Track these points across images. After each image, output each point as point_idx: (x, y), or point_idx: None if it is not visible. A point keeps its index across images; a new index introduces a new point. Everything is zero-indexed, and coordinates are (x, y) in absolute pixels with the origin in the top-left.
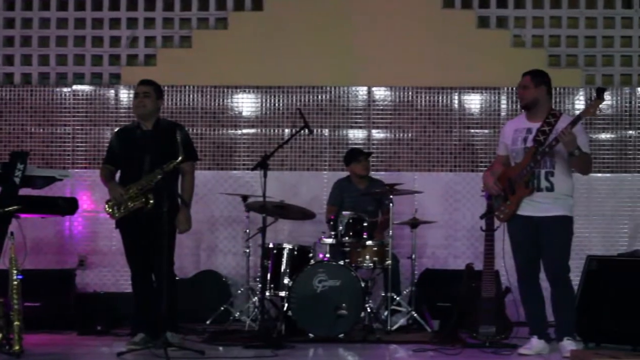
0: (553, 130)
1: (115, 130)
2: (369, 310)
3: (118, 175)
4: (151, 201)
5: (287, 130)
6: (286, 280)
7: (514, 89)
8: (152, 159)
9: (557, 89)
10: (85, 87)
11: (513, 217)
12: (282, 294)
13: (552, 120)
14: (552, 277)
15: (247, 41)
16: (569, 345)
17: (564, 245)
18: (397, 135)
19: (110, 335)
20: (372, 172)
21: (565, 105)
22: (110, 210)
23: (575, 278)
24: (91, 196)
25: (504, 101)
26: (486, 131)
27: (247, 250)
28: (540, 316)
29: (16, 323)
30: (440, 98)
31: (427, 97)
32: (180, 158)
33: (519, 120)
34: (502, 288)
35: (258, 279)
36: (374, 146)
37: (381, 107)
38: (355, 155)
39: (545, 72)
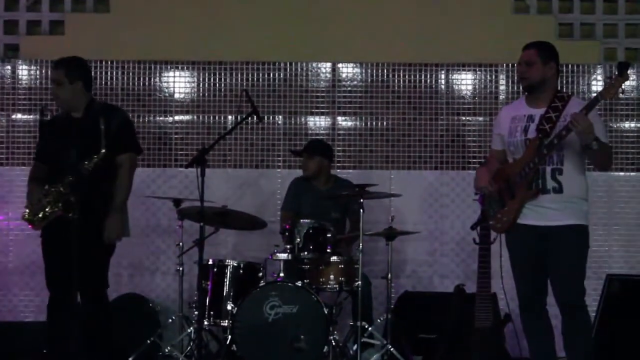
0: (561, 116)
1: (47, 117)
2: (333, 343)
3: None
4: (77, 207)
5: (230, 117)
6: (229, 307)
7: (515, 66)
8: (80, 153)
9: (569, 66)
10: None
11: (512, 226)
12: (225, 323)
13: (560, 105)
14: (564, 303)
15: (181, 5)
16: None
17: (578, 263)
18: (368, 123)
19: None
20: (338, 170)
21: (580, 86)
22: (28, 218)
23: (592, 303)
24: None
25: (502, 81)
26: (480, 119)
27: (180, 269)
28: (548, 352)
29: None
30: (422, 77)
31: (407, 76)
32: (102, 151)
33: (517, 106)
34: (501, 315)
35: (194, 305)
36: (340, 136)
37: (349, 88)
38: (297, 154)
39: (553, 45)
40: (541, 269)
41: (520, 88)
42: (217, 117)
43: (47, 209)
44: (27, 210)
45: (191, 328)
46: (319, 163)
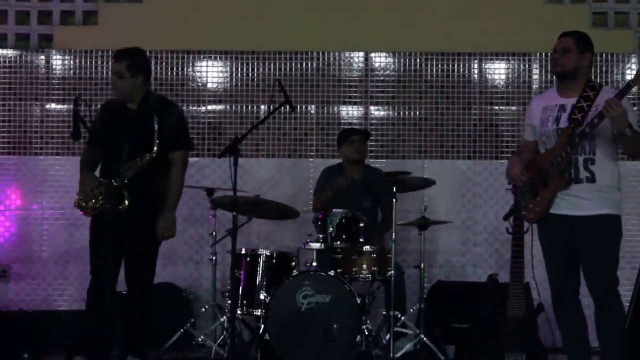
0: (592, 106)
1: (82, 104)
2: (366, 333)
3: None
4: (126, 201)
5: (263, 107)
6: (262, 296)
7: (548, 55)
8: (132, 147)
9: (603, 55)
10: (9, 52)
11: (544, 216)
12: (258, 312)
13: (591, 94)
14: (597, 292)
15: None
16: None
17: (612, 252)
18: (401, 113)
19: None
20: (371, 159)
21: (613, 75)
22: (79, 205)
23: (626, 293)
24: (18, 189)
25: (535, 70)
26: (513, 108)
27: (213, 258)
28: (582, 342)
29: None
30: (455, 66)
31: (439, 65)
32: (155, 149)
33: (549, 96)
34: (534, 305)
35: (227, 294)
36: (373, 126)
37: (381, 78)
38: (348, 134)
39: (590, 37)
40: (573, 259)
41: (554, 77)
42: (249, 107)
43: (99, 198)
44: (79, 197)
45: (224, 317)
46: (367, 149)
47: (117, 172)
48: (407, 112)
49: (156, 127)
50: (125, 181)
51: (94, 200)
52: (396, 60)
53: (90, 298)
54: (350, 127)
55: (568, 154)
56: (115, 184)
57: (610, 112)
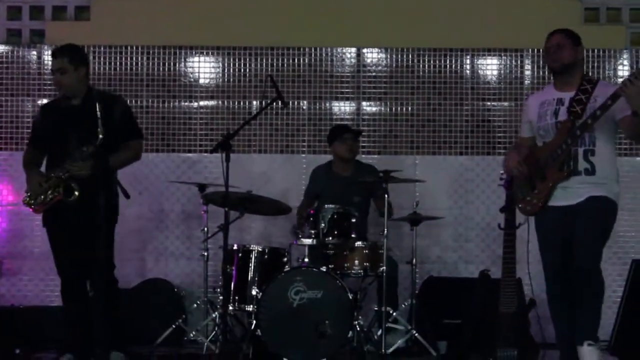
0: (591, 98)
1: (40, 104)
2: (358, 328)
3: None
4: (75, 192)
5: (255, 103)
6: (254, 292)
7: (541, 51)
8: (80, 141)
9: (595, 51)
10: (0, 47)
11: (542, 209)
12: (249, 308)
13: (589, 87)
14: (579, 267)
15: None
16: (590, 353)
17: (602, 229)
18: (393, 108)
19: None
20: (362, 155)
21: (606, 71)
22: (28, 202)
23: (617, 289)
24: (9, 185)
25: (528, 66)
26: (505, 104)
27: (205, 254)
28: (574, 337)
29: None
30: (447, 62)
31: (432, 61)
32: (100, 137)
33: (546, 92)
34: (526, 301)
35: (219, 290)
36: (365, 122)
37: (373, 74)
38: (340, 132)
39: None
40: (570, 251)
41: (546, 73)
42: (241, 103)
43: (48, 193)
44: (28, 195)
45: (216, 313)
46: (359, 146)
47: (63, 166)
48: (399, 108)
49: (99, 115)
50: (77, 169)
51: (42, 196)
52: (388, 56)
53: (64, 299)
54: (342, 123)
55: (568, 146)
56: (62, 175)
57: (628, 90)
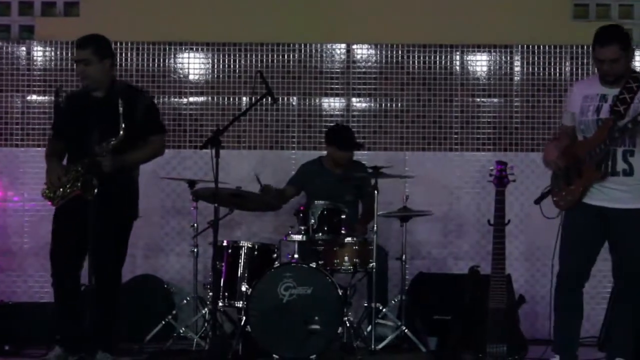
0: (635, 98)
1: (64, 95)
2: (348, 324)
3: None
4: (95, 188)
5: (245, 99)
6: (244, 288)
7: (530, 47)
8: (102, 135)
9: (584, 47)
10: None
11: (576, 206)
12: (239, 304)
13: (634, 86)
14: (629, 272)
15: None
16: None
17: None
18: (383, 104)
19: (21, 357)
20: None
21: (593, 68)
22: (46, 195)
23: (608, 284)
24: None
25: (517, 62)
26: (495, 100)
27: (195, 250)
28: (575, 333)
29: None
30: (437, 58)
31: (421, 57)
32: (121, 133)
33: (591, 84)
34: (515, 297)
35: (208, 286)
36: (354, 118)
37: (363, 70)
38: (343, 143)
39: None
40: (594, 250)
41: (536, 69)
42: (231, 99)
43: (67, 187)
44: (47, 187)
45: (206, 309)
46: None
47: (83, 161)
48: (389, 104)
49: (121, 110)
50: (92, 165)
51: (62, 190)
52: (378, 52)
53: (58, 288)
54: (347, 130)
55: (607, 146)
56: (82, 170)
57: None
